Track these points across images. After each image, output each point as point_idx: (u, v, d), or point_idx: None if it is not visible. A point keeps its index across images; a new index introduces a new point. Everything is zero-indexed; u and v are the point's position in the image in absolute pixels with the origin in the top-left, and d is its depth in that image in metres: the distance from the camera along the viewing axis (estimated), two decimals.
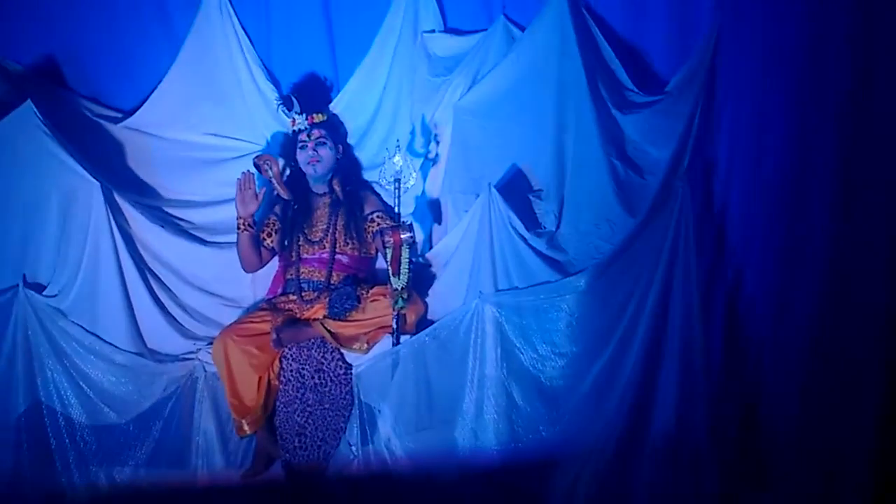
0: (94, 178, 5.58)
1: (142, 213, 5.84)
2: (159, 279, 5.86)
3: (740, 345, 5.28)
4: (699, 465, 4.99)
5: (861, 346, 4.75)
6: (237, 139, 6.39)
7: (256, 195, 5.77)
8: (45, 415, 5.51)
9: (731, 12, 5.38)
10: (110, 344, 5.58)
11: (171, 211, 6.16)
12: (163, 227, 5.92)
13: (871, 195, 4.70)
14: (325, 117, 6.09)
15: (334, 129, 6.13)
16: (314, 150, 5.95)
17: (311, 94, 6.15)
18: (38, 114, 5.62)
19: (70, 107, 6.24)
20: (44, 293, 5.60)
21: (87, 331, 5.57)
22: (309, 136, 5.98)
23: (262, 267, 6.03)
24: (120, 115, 6.36)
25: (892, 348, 4.67)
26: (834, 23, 4.87)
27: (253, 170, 5.85)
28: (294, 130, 6.03)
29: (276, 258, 6.05)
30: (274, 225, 6.04)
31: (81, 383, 5.52)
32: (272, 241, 6.01)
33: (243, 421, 5.45)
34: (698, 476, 5.00)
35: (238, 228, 5.80)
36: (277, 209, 6.07)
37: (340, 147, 6.09)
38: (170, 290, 5.89)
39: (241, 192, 5.75)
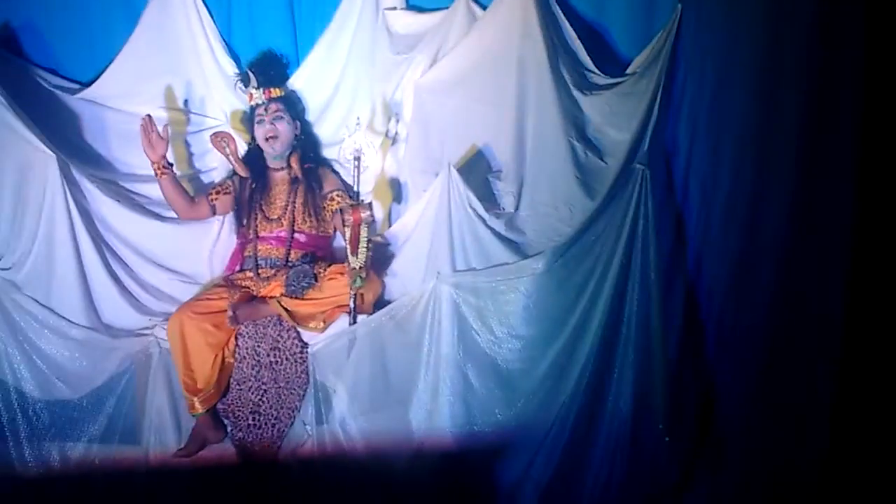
0: (51, 150, 5.50)
1: (98, 186, 5.76)
2: (115, 254, 5.79)
3: (698, 331, 5.31)
4: (655, 450, 5.02)
5: (818, 332, 4.79)
6: (195, 114, 6.35)
7: (161, 135, 5.73)
8: None
9: None
10: (65, 318, 5.51)
11: (127, 185, 6.09)
12: (119, 201, 5.85)
13: (831, 182, 4.72)
14: (283, 92, 6.08)
15: (292, 105, 6.11)
16: (271, 123, 5.93)
17: (269, 70, 6.08)
18: None
19: (27, 77, 6.15)
20: None
21: (41, 304, 5.49)
22: (266, 110, 5.96)
23: (199, 217, 6.03)
24: (77, 87, 6.29)
25: (847, 335, 4.70)
26: (797, 7, 4.88)
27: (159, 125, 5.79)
28: (251, 106, 6.02)
29: (234, 235, 6.06)
30: (227, 188, 6.05)
31: (35, 357, 5.46)
32: (216, 199, 6.02)
33: (195, 399, 5.39)
34: (655, 460, 5.04)
35: (155, 175, 5.78)
36: (236, 180, 6.06)
37: (298, 123, 6.07)
38: (126, 264, 5.82)
39: (145, 137, 5.70)
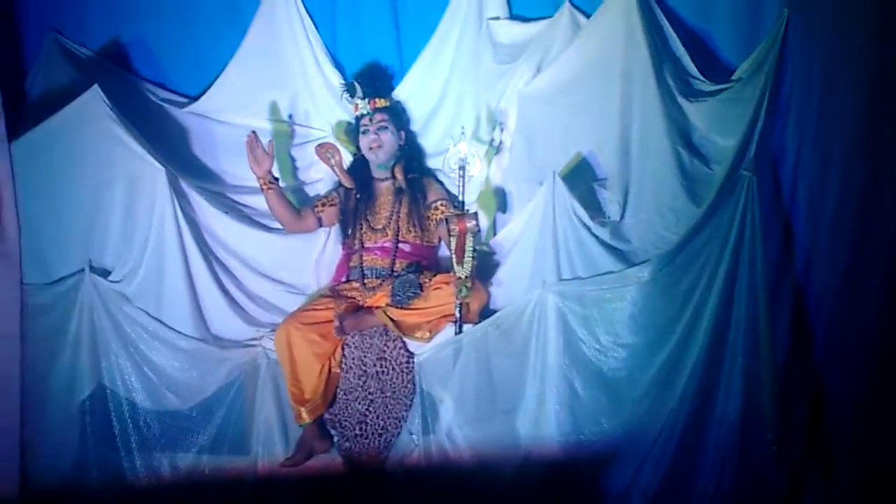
0: (160, 163, 5.59)
1: (206, 198, 5.85)
2: (223, 265, 5.87)
3: (807, 338, 5.24)
4: (764, 459, 4.96)
5: None
6: (300, 125, 6.40)
7: (266, 151, 5.78)
8: (109, 399, 5.55)
9: (799, 0, 5.33)
10: (174, 329, 5.60)
11: (235, 197, 6.19)
12: (227, 213, 5.94)
13: None
14: (388, 102, 6.11)
15: (397, 115, 6.13)
16: (376, 133, 5.96)
17: (374, 81, 6.12)
18: (104, 98, 5.63)
19: (136, 92, 6.30)
20: (109, 278, 5.62)
21: (151, 316, 5.59)
22: (371, 120, 5.99)
23: (305, 230, 6.09)
24: (185, 101, 6.41)
25: None
26: None
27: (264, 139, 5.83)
28: (357, 116, 6.05)
29: (340, 245, 6.10)
30: (332, 200, 6.10)
31: (145, 368, 5.56)
32: (322, 211, 6.08)
33: (302, 409, 5.42)
34: (763, 469, 4.97)
35: (262, 190, 5.84)
36: (341, 191, 6.09)
37: (403, 133, 6.09)
38: (234, 276, 5.91)
39: (251, 154, 5.75)
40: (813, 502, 5.19)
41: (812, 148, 5.32)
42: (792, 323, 5.29)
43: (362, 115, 6.03)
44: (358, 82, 6.05)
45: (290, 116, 6.39)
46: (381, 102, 6.04)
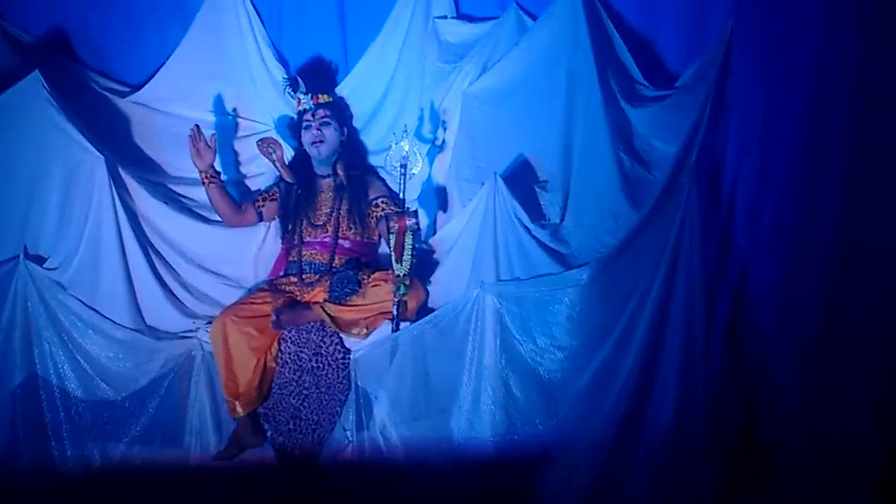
0: (99, 151, 5.56)
1: (146, 188, 5.83)
2: (161, 256, 5.84)
3: (742, 343, 5.27)
4: (697, 463, 4.98)
5: (862, 346, 4.74)
6: (243, 118, 6.38)
7: (209, 144, 5.78)
8: (41, 388, 5.50)
9: (746, 8, 5.36)
10: (109, 319, 5.58)
11: (174, 188, 6.16)
12: (166, 203, 5.91)
13: (879, 196, 4.69)
14: (331, 98, 6.10)
15: (339, 111, 6.12)
16: (318, 129, 5.94)
17: (318, 76, 6.15)
18: (45, 84, 5.60)
19: (78, 79, 6.25)
20: (44, 265, 5.59)
21: (86, 305, 5.56)
22: (313, 115, 5.98)
23: (245, 224, 6.08)
24: (128, 90, 6.36)
25: (892, 348, 4.66)
26: (848, 21, 4.86)
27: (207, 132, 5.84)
28: (299, 111, 6.03)
29: (280, 240, 6.09)
30: (273, 195, 6.09)
31: (79, 357, 5.52)
32: (262, 205, 6.07)
33: (237, 402, 5.41)
34: (696, 473, 4.99)
35: (203, 183, 5.84)
36: (282, 186, 6.08)
37: (345, 129, 6.08)
38: (171, 267, 5.88)
39: (193, 147, 5.76)
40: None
41: (753, 156, 5.34)
42: (727, 328, 5.32)
43: (305, 111, 6.01)
44: (301, 77, 6.04)
45: (234, 109, 6.36)
46: (323, 98, 6.03)
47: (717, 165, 5.42)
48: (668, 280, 4.93)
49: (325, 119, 5.96)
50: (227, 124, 6.33)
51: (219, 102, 6.35)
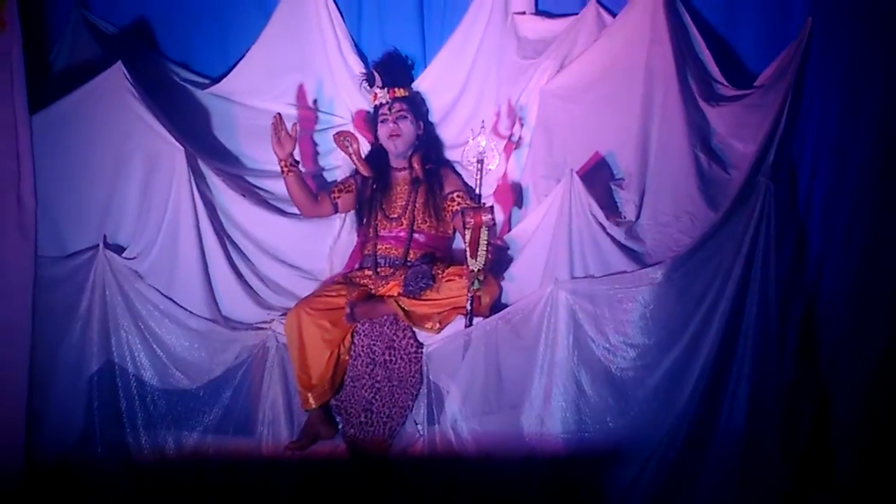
0: (179, 142, 5.61)
1: (224, 180, 5.88)
2: (237, 247, 5.89)
3: (815, 345, 5.25)
4: (767, 463, 4.96)
5: None
6: (323, 112, 6.41)
7: (290, 134, 5.81)
8: (118, 376, 5.57)
9: (824, 8, 5.32)
10: (186, 309, 5.63)
11: (252, 180, 6.21)
12: (244, 195, 5.96)
13: None
14: (407, 93, 6.12)
15: (416, 105, 6.14)
16: (395, 122, 5.96)
17: (394, 70, 6.15)
18: (127, 75, 5.65)
19: (159, 71, 6.32)
20: (123, 255, 5.64)
21: (163, 294, 5.61)
22: (390, 109, 6.00)
23: (321, 215, 6.12)
24: (207, 82, 6.41)
25: None
26: None
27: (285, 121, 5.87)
28: (376, 105, 6.07)
29: (355, 233, 6.13)
30: (349, 186, 6.12)
31: (155, 346, 5.58)
32: (339, 197, 6.10)
33: (309, 395, 5.45)
34: (766, 474, 4.97)
35: (282, 172, 5.87)
36: (358, 179, 6.10)
37: (422, 123, 6.10)
38: (248, 258, 5.93)
39: (275, 135, 5.78)
40: None
41: (829, 157, 5.34)
42: (800, 330, 5.29)
43: (381, 105, 6.04)
44: (378, 72, 6.07)
45: (314, 102, 6.39)
46: (400, 92, 6.05)
47: (793, 165, 5.40)
48: (742, 281, 4.93)
49: (402, 113, 5.98)
50: (306, 117, 6.35)
51: (298, 95, 6.38)
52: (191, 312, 5.63)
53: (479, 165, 5.48)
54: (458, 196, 5.90)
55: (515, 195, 5.98)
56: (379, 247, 5.88)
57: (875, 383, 5.08)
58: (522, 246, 5.56)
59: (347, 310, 5.49)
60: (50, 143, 5.58)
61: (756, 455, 4.97)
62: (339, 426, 5.56)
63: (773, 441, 4.97)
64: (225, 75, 6.39)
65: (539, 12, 6.21)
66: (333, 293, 5.65)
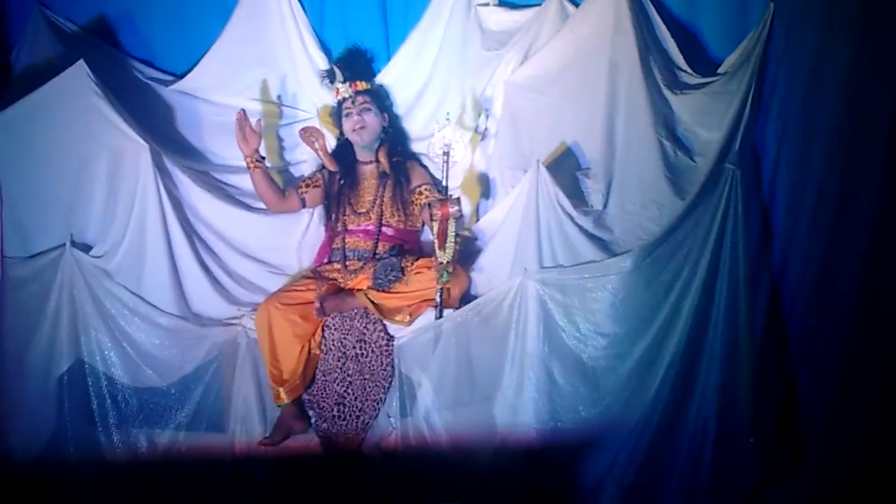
0: (144, 140, 5.56)
1: (190, 177, 5.83)
2: (205, 243, 5.85)
3: (782, 330, 5.29)
4: (737, 449, 5.01)
5: None
6: (287, 106, 6.39)
7: (254, 129, 5.81)
8: (88, 374, 5.53)
9: None
10: (155, 306, 5.59)
11: (218, 176, 6.17)
12: (210, 191, 5.93)
13: None
14: (370, 85, 6.11)
15: (379, 98, 6.13)
16: (359, 115, 5.96)
17: (356, 64, 6.15)
18: (89, 74, 5.59)
19: (122, 68, 6.27)
20: (90, 253, 5.59)
21: (131, 292, 5.56)
22: (353, 102, 5.99)
23: (289, 210, 6.10)
24: (171, 79, 6.38)
25: None
26: (890, 7, 4.87)
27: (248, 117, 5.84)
28: (339, 100, 6.06)
29: (323, 227, 6.12)
30: (316, 181, 6.11)
31: (125, 344, 5.54)
32: (306, 192, 6.09)
33: (281, 390, 5.46)
34: (737, 460, 5.02)
35: (248, 168, 5.86)
36: (325, 173, 6.10)
37: (386, 115, 6.10)
38: (216, 254, 5.89)
39: (240, 131, 5.77)
40: (783, 491, 5.24)
41: (793, 142, 5.38)
42: (768, 315, 5.34)
43: (345, 99, 6.03)
44: (338, 67, 6.08)
45: (279, 97, 6.37)
46: (362, 85, 6.05)
47: (758, 151, 5.43)
48: (711, 267, 4.98)
49: (365, 105, 5.98)
50: (271, 112, 6.33)
51: (262, 90, 6.36)
52: (160, 310, 5.59)
53: (446, 157, 5.49)
54: (425, 189, 5.91)
55: (482, 186, 5.98)
56: (347, 241, 5.87)
57: (842, 366, 5.13)
58: (490, 237, 5.56)
59: (317, 304, 5.49)
60: (13, 142, 5.55)
61: (726, 441, 5.01)
62: (312, 420, 5.56)
63: (744, 426, 5.00)
64: (188, 72, 6.35)
65: (502, 3, 6.19)
66: (303, 287, 5.65)
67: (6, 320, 5.46)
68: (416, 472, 5.33)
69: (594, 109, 5.57)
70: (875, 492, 5.10)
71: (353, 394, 5.47)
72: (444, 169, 5.51)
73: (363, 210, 5.92)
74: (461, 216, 5.30)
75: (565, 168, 5.57)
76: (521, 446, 5.14)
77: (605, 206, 5.42)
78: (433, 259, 5.32)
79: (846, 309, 5.16)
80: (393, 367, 5.47)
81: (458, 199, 5.35)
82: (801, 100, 5.34)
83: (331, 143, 6.16)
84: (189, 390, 5.59)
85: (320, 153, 5.95)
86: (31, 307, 5.52)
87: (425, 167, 6.10)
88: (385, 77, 6.30)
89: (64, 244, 5.51)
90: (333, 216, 5.98)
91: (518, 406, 5.13)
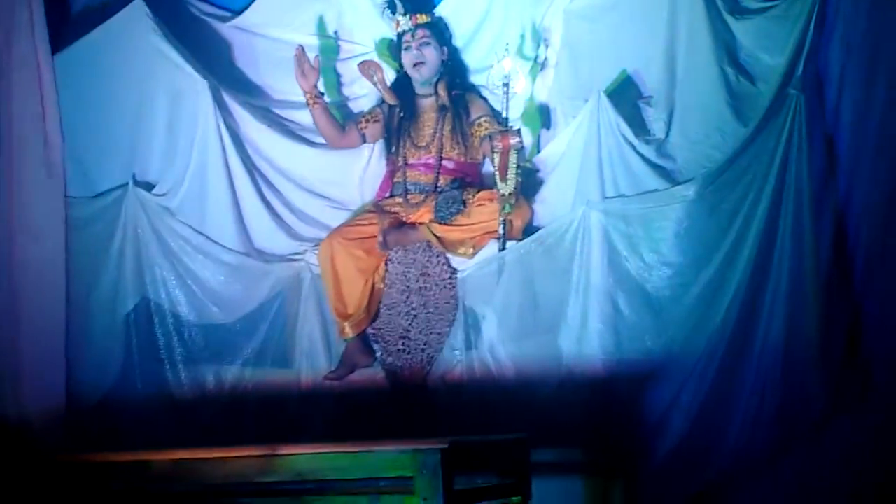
0: (203, 76, 5.59)
1: (250, 112, 5.85)
2: (267, 179, 5.87)
3: (847, 258, 5.23)
4: (805, 377, 4.96)
5: None
6: (345, 41, 6.33)
7: (313, 65, 5.79)
8: (154, 312, 5.59)
9: None
10: (218, 243, 5.63)
11: (278, 112, 6.17)
12: (270, 127, 5.94)
13: None
14: (429, 18, 6.04)
15: (439, 31, 6.06)
16: (418, 49, 5.91)
17: None
18: (148, 11, 5.63)
19: (179, 5, 6.23)
20: (153, 192, 5.64)
21: (195, 230, 5.61)
22: (413, 36, 5.94)
23: (349, 146, 6.08)
24: (229, 15, 6.32)
25: None
26: None
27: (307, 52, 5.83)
28: (398, 33, 6.01)
29: (384, 161, 6.10)
30: (376, 116, 6.07)
31: (189, 282, 5.59)
32: (366, 127, 6.06)
33: (346, 324, 5.48)
34: (804, 389, 4.97)
35: (308, 104, 5.85)
36: (385, 108, 6.07)
37: (446, 49, 6.04)
38: (278, 190, 5.91)
39: (298, 68, 5.77)
40: (849, 419, 5.21)
41: (857, 66, 5.27)
42: (833, 242, 5.28)
43: (404, 32, 5.97)
44: None
45: (335, 32, 6.32)
46: (422, 18, 5.98)
47: (821, 76, 5.35)
48: (776, 195, 4.92)
49: (425, 39, 5.92)
50: (329, 47, 6.28)
51: (320, 25, 6.30)
52: (223, 247, 5.63)
53: (506, 89, 5.48)
54: (485, 121, 5.85)
55: (543, 117, 5.94)
56: (408, 174, 5.85)
57: None
58: (553, 168, 5.55)
59: (380, 238, 5.51)
60: (73, 82, 5.58)
61: (793, 371, 4.96)
62: (377, 354, 5.60)
63: (811, 354, 4.95)
64: (246, 8, 6.30)
65: None
66: (365, 222, 5.67)
67: (71, 261, 5.50)
68: (481, 404, 5.33)
69: (654, 36, 5.51)
70: None
71: (418, 327, 5.50)
72: (504, 100, 5.48)
73: (423, 143, 5.88)
74: (522, 147, 5.29)
75: (626, 97, 5.52)
76: (586, 377, 5.13)
77: (667, 134, 5.36)
78: (495, 191, 5.31)
79: None
80: (456, 300, 5.48)
81: (519, 130, 5.35)
82: (865, 22, 5.24)
83: (389, 76, 6.11)
84: (254, 326, 5.64)
85: (379, 87, 5.92)
86: (96, 247, 5.59)
87: (485, 99, 6.02)
88: (443, 9, 6.21)
89: (126, 183, 5.57)
90: (394, 150, 5.96)
91: (583, 337, 5.12)
